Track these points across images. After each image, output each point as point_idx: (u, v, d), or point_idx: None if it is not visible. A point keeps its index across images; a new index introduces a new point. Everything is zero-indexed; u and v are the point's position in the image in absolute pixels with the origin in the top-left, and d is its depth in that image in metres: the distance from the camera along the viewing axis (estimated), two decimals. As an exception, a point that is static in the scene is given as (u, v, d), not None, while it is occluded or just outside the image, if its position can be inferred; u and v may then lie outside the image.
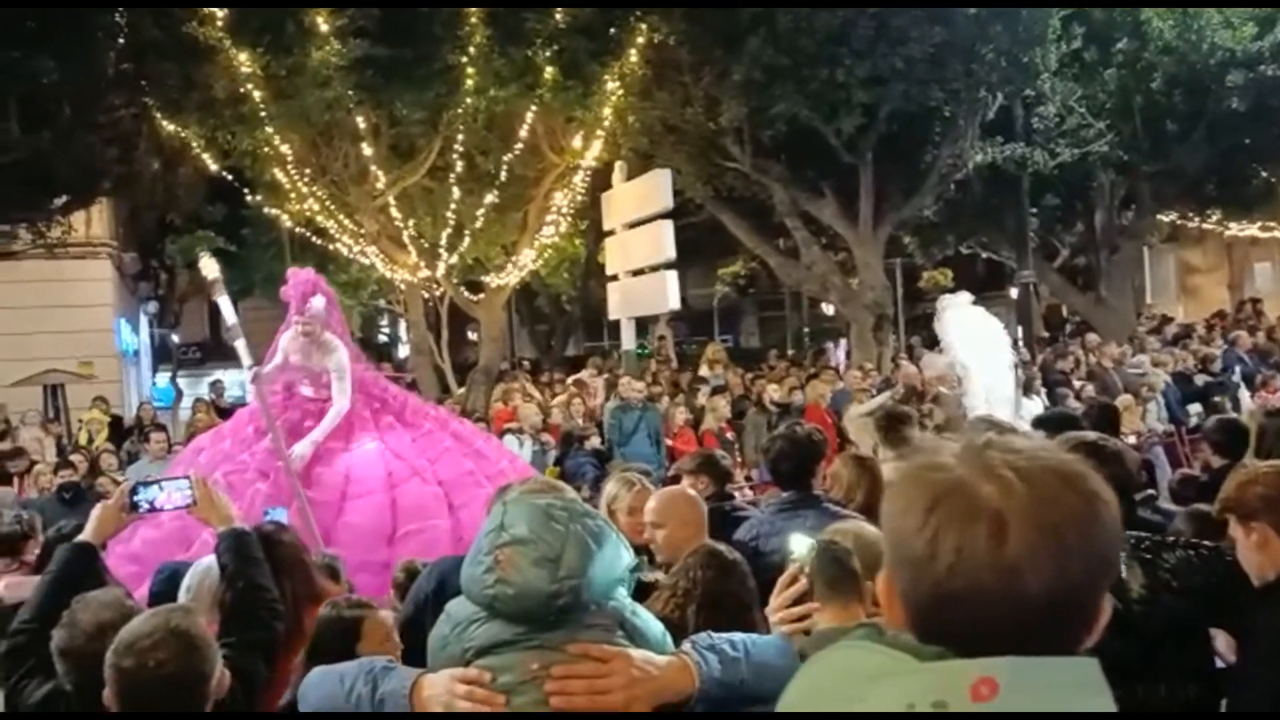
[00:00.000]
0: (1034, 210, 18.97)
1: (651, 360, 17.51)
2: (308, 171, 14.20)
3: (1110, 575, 1.20)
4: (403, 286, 16.57)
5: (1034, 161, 16.82)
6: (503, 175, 14.43)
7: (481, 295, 16.64)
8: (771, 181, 15.47)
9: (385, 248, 15.20)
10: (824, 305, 24.08)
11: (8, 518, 5.01)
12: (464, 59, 13.05)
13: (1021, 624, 1.10)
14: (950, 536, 1.11)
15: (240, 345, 6.47)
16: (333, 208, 14.66)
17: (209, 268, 6.73)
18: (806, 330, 28.69)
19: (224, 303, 6.67)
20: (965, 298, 10.49)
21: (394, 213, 14.63)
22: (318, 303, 6.45)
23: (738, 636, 2.24)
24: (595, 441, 11.12)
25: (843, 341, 20.70)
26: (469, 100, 13.33)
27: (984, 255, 22.53)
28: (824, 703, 1.14)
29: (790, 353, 21.82)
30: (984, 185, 17.67)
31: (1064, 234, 21.33)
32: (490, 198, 14.59)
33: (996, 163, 16.50)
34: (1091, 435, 3.61)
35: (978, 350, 9.56)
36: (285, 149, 13.69)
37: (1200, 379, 14.08)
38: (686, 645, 2.16)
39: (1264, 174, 19.41)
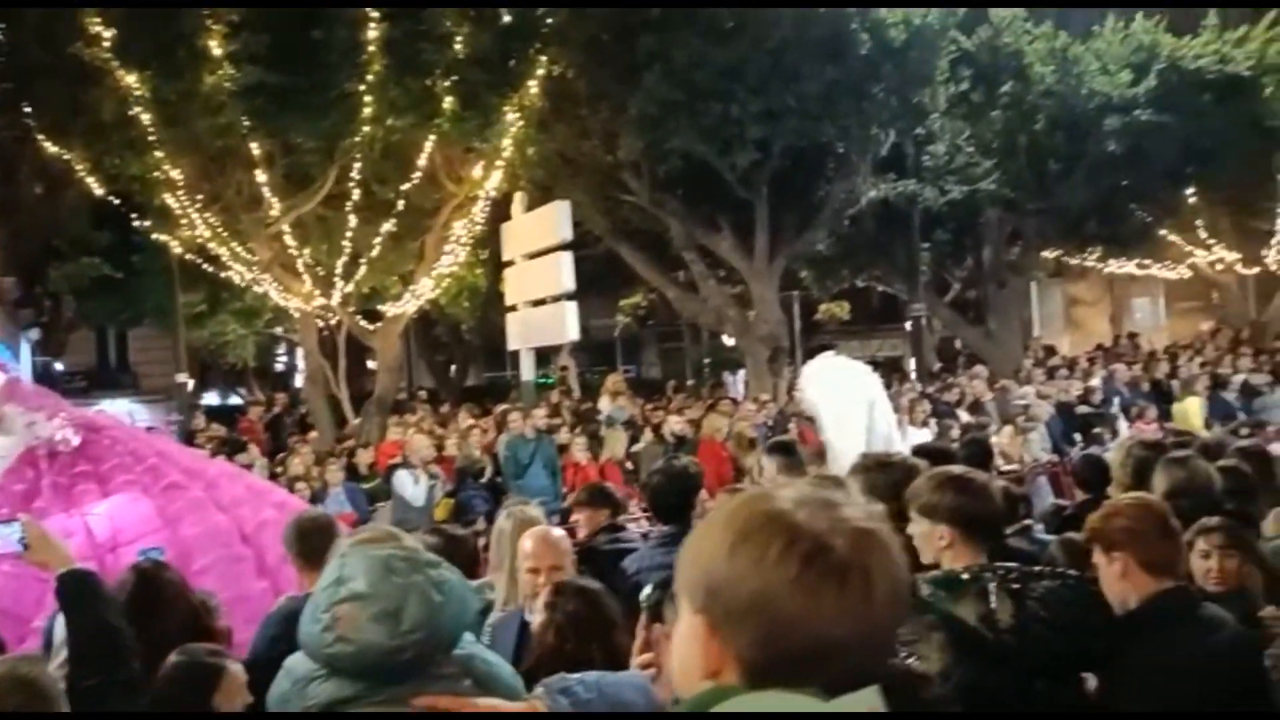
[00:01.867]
0: (926, 245, 19.51)
1: (553, 391, 17.47)
2: (199, 198, 13.89)
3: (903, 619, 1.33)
4: (297, 315, 16.28)
5: (924, 198, 17.31)
6: (400, 204, 14.31)
7: (378, 324, 16.44)
8: (668, 215, 15.65)
9: (279, 276, 14.93)
10: (725, 336, 24.36)
11: None
12: (361, 87, 12.94)
13: (873, 661, 1.24)
14: (830, 592, 1.19)
15: None
16: (225, 235, 14.35)
17: None
18: (707, 361, 28.92)
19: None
20: (829, 358, 10.55)
21: (288, 240, 14.39)
22: None
23: (592, 676, 2.25)
24: (487, 476, 11.00)
25: (741, 372, 20.94)
26: (366, 129, 13.22)
27: (879, 289, 23.05)
28: None
29: (690, 383, 21.98)
30: (877, 220, 18.12)
31: (955, 268, 21.96)
32: (387, 226, 14.46)
33: (889, 199, 16.95)
34: (957, 470, 3.67)
35: (831, 408, 9.75)
36: (175, 174, 13.38)
37: (1082, 410, 14.56)
38: (539, 690, 2.16)
39: (1140, 213, 20.28)
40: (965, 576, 2.96)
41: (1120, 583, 3.08)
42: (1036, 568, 3.16)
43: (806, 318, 27.03)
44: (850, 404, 9.40)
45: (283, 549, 4.83)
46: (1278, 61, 19.25)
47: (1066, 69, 17.73)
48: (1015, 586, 2.99)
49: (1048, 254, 22.22)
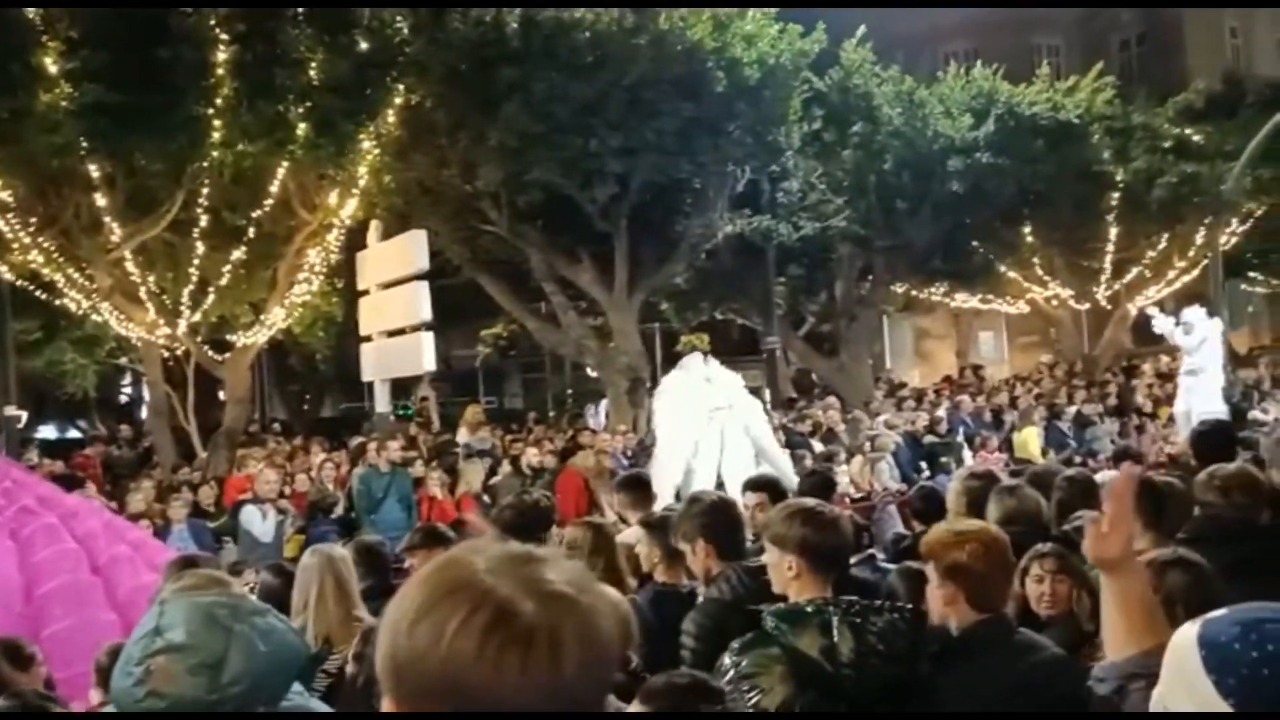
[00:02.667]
0: (781, 279, 19.97)
1: (409, 422, 17.20)
2: (33, 221, 13.22)
3: (612, 667, 1.25)
4: (139, 344, 15.61)
5: (779, 233, 17.73)
6: (251, 231, 13.90)
7: (227, 355, 15.90)
8: (528, 246, 15.64)
9: (120, 304, 14.29)
10: (588, 367, 24.41)
11: None
12: (210, 110, 12.55)
13: None
14: (513, 662, 1.12)
15: None
16: (61, 260, 13.68)
17: None
18: (570, 392, 28.92)
19: None
20: (694, 366, 10.66)
21: (130, 267, 13.81)
22: None
23: None
24: (339, 510, 10.74)
25: (603, 403, 21.01)
26: (215, 153, 12.82)
27: (739, 321, 23.48)
28: None
29: (551, 414, 21.95)
30: (734, 255, 18.47)
31: (809, 302, 22.53)
32: (237, 254, 14.02)
33: (744, 234, 17.29)
34: (810, 502, 3.75)
35: (664, 430, 9.93)
36: (7, 196, 12.71)
37: (928, 440, 15.09)
38: None
39: (982, 251, 21.24)
40: (809, 609, 3.03)
41: (945, 607, 3.18)
42: (876, 601, 3.24)
43: (667, 349, 27.26)
44: (684, 428, 9.50)
45: (134, 584, 4.76)
46: (1104, 111, 20.49)
47: (913, 111, 18.47)
48: (856, 620, 3.06)
49: (897, 289, 23.00)
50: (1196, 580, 2.96)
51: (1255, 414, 15.49)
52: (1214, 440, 6.15)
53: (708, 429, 9.48)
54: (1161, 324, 12.45)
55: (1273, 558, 4.05)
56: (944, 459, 14.13)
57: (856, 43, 18.65)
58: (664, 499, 10.26)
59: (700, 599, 3.96)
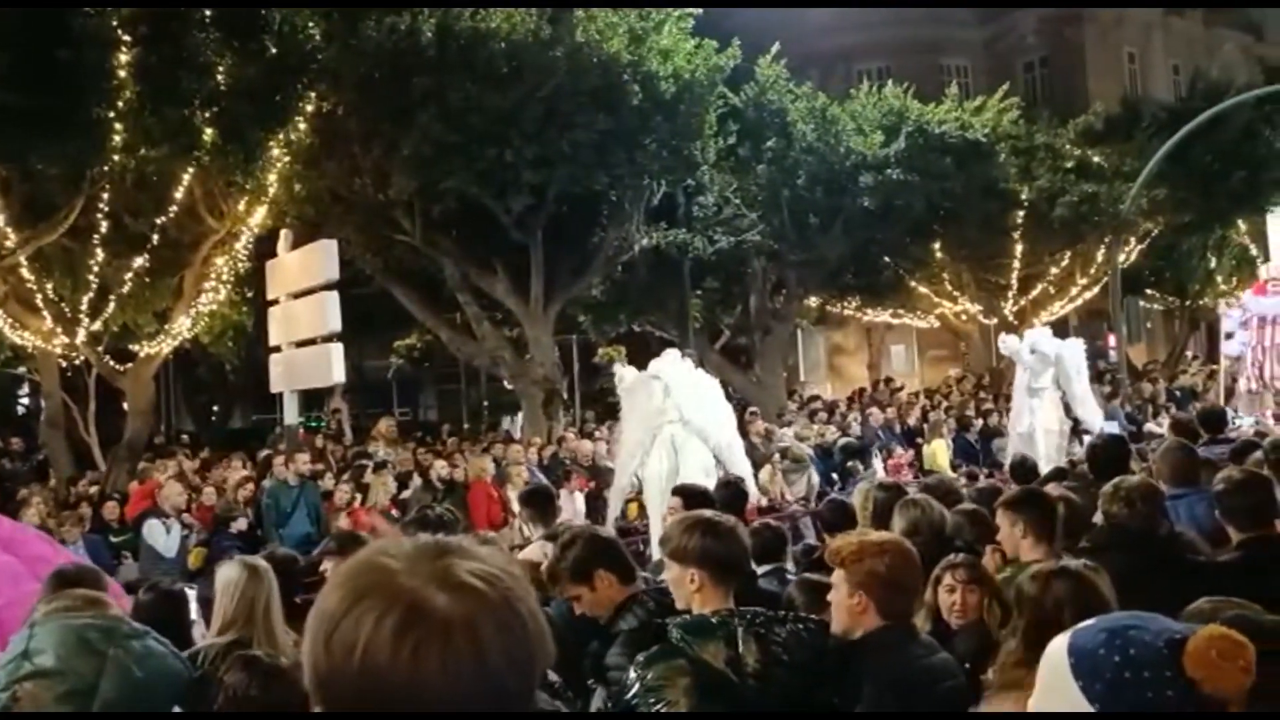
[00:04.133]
0: (697, 292, 20.10)
1: (318, 435, 16.88)
2: (-80, 225, 12.71)
3: (537, 661, 1.20)
4: (36, 353, 15.09)
5: (694, 247, 17.85)
6: (155, 238, 13.53)
7: (129, 365, 15.44)
8: (442, 256, 15.50)
9: (14, 311, 13.80)
10: (504, 378, 24.26)
11: None
12: (111, 114, 12.20)
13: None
14: (432, 658, 1.09)
15: None
16: (-51, 266, 13.17)
17: None
18: (486, 404, 28.71)
19: None
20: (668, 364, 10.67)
21: (25, 274, 13.33)
22: None
23: None
24: (243, 524, 10.50)
25: (520, 415, 20.89)
26: (116, 158, 12.45)
27: (657, 333, 23.56)
28: None
29: (466, 426, 21.75)
30: (650, 268, 18.54)
31: (724, 315, 22.70)
32: (140, 261, 13.63)
33: (660, 247, 17.37)
34: (708, 513, 3.75)
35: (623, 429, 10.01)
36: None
37: (840, 452, 15.28)
38: None
39: (893, 266, 21.64)
40: (714, 621, 3.03)
41: (855, 616, 3.22)
42: (780, 612, 3.24)
43: (585, 361, 27.26)
44: (636, 431, 9.54)
45: (10, 593, 4.52)
46: (1010, 131, 21.06)
47: (826, 128, 18.74)
48: (761, 630, 3.07)
49: (810, 302, 23.31)
50: (1079, 588, 3.04)
51: (1150, 427, 16.03)
52: (1109, 453, 6.35)
53: (656, 440, 9.51)
54: (1008, 345, 12.72)
55: (1171, 566, 4.19)
56: (855, 469, 14.32)
57: (771, 59, 18.87)
58: (615, 510, 10.33)
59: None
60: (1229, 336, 14.87)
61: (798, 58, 21.35)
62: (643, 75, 14.61)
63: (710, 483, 7.20)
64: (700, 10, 15.52)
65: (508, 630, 1.12)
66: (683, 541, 3.18)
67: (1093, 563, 3.46)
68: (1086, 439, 12.12)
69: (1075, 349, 12.67)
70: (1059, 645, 1.57)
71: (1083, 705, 1.50)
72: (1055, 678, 1.56)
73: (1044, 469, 8.15)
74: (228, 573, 3.86)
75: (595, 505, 12.04)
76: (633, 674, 2.94)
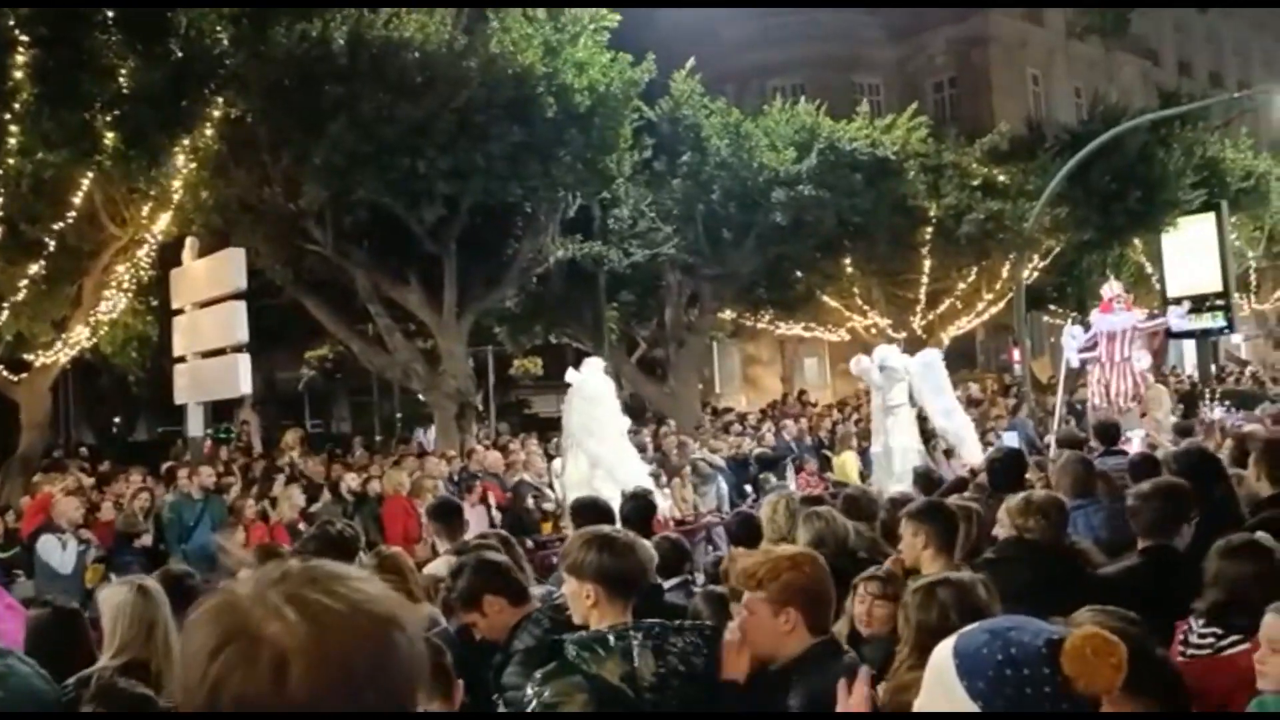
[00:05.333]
0: (613, 305, 20.14)
1: (223, 447, 16.53)
2: None
3: (412, 695, 1.18)
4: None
5: (610, 259, 17.90)
6: (52, 245, 13.12)
7: (24, 375, 14.92)
8: (354, 267, 15.30)
9: (-102, 319, 13.28)
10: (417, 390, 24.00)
11: None
12: (7, 116, 11.82)
13: None
14: (232, 684, 1.08)
15: None
16: None
17: None
18: (399, 416, 28.39)
19: None
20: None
21: (-88, 280, 12.84)
22: None
23: None
24: (148, 539, 10.22)
25: (433, 428, 20.69)
26: (12, 161, 12.06)
27: (573, 345, 23.55)
28: None
29: (378, 439, 21.48)
30: (565, 280, 18.54)
31: (640, 328, 22.78)
32: (36, 268, 13.20)
33: (576, 259, 17.38)
34: (606, 528, 3.73)
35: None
36: None
37: (753, 464, 15.42)
38: None
39: (805, 280, 21.95)
40: (610, 636, 3.02)
41: (782, 639, 3.06)
42: (677, 622, 3.23)
43: (500, 373, 27.15)
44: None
45: None
46: (919, 149, 21.51)
47: (739, 143, 18.94)
48: (657, 643, 3.06)
49: (725, 315, 23.50)
50: (962, 596, 3.12)
51: (1050, 439, 16.44)
52: (1007, 466, 6.53)
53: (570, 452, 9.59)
54: (858, 365, 12.55)
55: (1073, 577, 4.33)
56: (767, 481, 14.46)
57: (686, 74, 19.03)
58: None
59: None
60: (1089, 349, 14.69)
61: (713, 73, 21.57)
62: (557, 87, 14.60)
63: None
64: (616, 23, 15.57)
65: (326, 662, 1.09)
66: (579, 556, 3.17)
67: (983, 573, 3.56)
68: (965, 453, 12.27)
69: (930, 363, 12.54)
70: (944, 648, 1.62)
71: (967, 704, 1.55)
72: (940, 678, 1.60)
73: (902, 488, 8.05)
74: (116, 595, 3.70)
75: (509, 517, 11.97)
76: (529, 691, 2.93)
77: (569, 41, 15.12)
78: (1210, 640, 3.49)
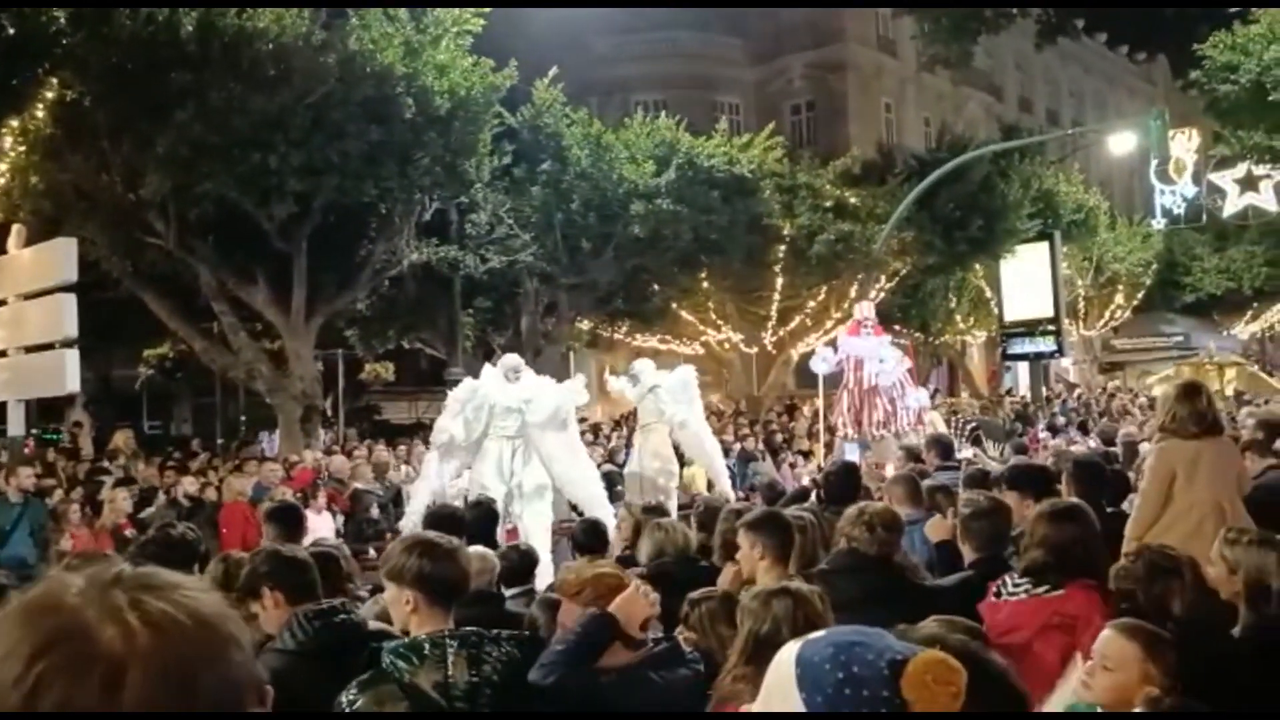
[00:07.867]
0: (469, 311, 19.91)
1: (49, 448, 15.65)
2: None
3: (245, 703, 1.12)
4: None
5: (466, 264, 17.71)
6: None
7: None
8: (198, 262, 14.74)
9: None
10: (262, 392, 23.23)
11: None
12: None
13: None
14: (57, 690, 0.99)
15: None
16: None
17: None
18: (244, 418, 27.42)
19: None
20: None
21: None
22: None
23: None
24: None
25: (277, 431, 20.07)
26: None
27: (427, 351, 23.19)
28: None
29: (220, 442, 20.71)
30: (420, 283, 18.25)
31: (496, 335, 22.58)
32: None
33: (431, 263, 17.13)
34: (430, 534, 3.64)
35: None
36: None
37: (606, 473, 15.44)
38: None
39: (661, 293, 22.17)
40: (426, 644, 2.99)
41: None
42: (495, 631, 3.21)
43: (351, 377, 26.51)
44: None
45: None
46: (775, 169, 22.01)
47: (600, 155, 19.01)
48: (473, 651, 3.06)
49: (582, 325, 23.54)
50: (797, 607, 3.18)
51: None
52: (841, 480, 6.71)
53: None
54: (615, 384, 12.04)
55: (903, 589, 4.46)
56: (620, 492, 14.50)
57: (548, 82, 19.00)
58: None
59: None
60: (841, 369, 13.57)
61: (578, 85, 21.60)
62: (417, 89, 14.40)
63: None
64: (480, 28, 15.45)
65: (166, 671, 1.02)
66: (399, 562, 3.13)
67: (817, 584, 3.64)
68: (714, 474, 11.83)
69: (681, 378, 11.71)
70: (788, 653, 1.60)
71: (802, 710, 1.53)
72: (780, 685, 1.59)
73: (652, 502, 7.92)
74: None
75: (351, 525, 11.71)
76: (344, 698, 2.87)
77: (430, 43, 14.93)
78: (1025, 586, 3.87)
